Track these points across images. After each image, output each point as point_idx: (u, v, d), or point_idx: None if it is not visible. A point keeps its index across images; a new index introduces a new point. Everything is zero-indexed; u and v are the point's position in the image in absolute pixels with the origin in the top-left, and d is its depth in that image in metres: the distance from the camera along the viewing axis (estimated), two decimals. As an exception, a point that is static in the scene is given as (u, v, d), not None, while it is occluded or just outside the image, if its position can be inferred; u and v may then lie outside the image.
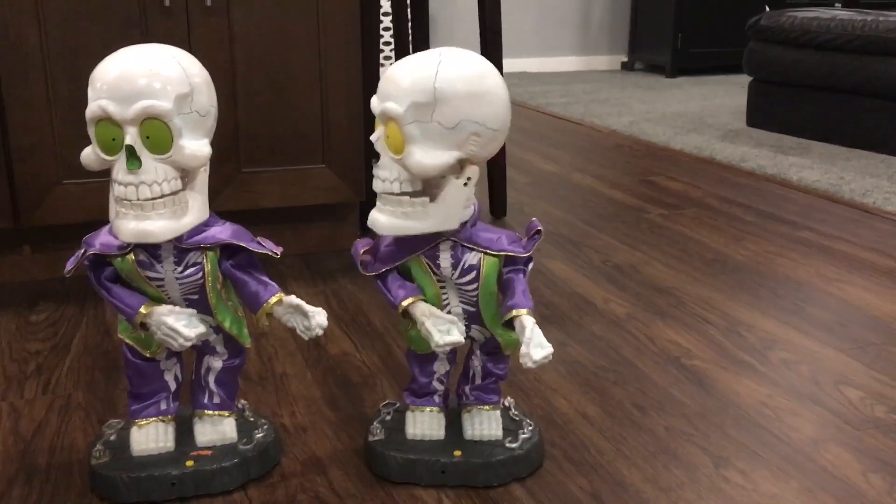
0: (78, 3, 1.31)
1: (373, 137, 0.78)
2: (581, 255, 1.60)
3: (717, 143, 2.65)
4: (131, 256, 0.78)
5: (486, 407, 0.90)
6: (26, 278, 1.44)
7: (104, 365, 1.13)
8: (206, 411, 0.88)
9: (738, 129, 2.93)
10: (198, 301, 0.82)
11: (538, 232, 0.84)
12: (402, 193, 0.77)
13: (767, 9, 3.34)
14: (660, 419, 1.00)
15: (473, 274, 0.82)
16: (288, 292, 0.82)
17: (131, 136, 0.73)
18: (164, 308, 0.80)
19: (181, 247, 0.79)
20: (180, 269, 0.79)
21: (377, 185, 0.79)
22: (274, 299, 0.81)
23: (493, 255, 0.82)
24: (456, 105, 0.74)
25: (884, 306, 1.35)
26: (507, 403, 0.94)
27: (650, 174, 2.28)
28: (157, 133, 0.73)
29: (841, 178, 2.20)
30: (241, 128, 1.44)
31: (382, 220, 0.79)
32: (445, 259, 0.82)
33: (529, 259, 0.84)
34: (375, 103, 0.78)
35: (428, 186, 0.78)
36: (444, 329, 0.80)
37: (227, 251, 0.82)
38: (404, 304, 0.81)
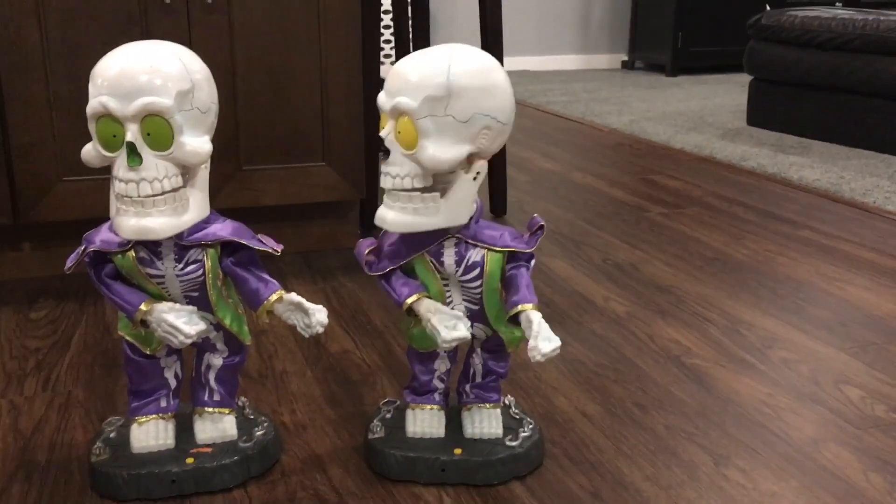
0: (78, 1, 1.31)
1: (382, 133, 0.78)
2: (581, 253, 1.60)
3: (718, 142, 2.65)
4: (132, 253, 0.78)
5: (487, 405, 0.90)
6: (26, 275, 1.44)
7: (104, 362, 1.13)
8: (206, 409, 0.88)
9: (738, 127, 2.93)
10: (198, 298, 0.82)
11: (541, 228, 0.84)
12: (413, 189, 0.77)
13: (768, 8, 3.33)
14: (660, 418, 1.00)
15: (477, 271, 0.82)
16: (288, 290, 0.82)
17: (132, 133, 0.73)
18: (164, 305, 0.80)
19: (182, 244, 0.79)
20: (181, 266, 0.79)
21: (386, 182, 0.78)
22: (274, 297, 0.81)
23: (497, 252, 0.82)
24: (469, 98, 0.74)
25: (884, 306, 1.35)
26: (507, 402, 0.94)
27: (650, 173, 2.28)
28: (158, 130, 0.73)
29: (841, 177, 2.20)
30: (242, 125, 1.43)
31: (392, 217, 0.79)
32: (449, 256, 0.82)
33: (532, 255, 0.84)
34: (384, 99, 0.77)
35: (436, 182, 0.78)
36: (450, 325, 0.80)
37: (228, 248, 0.82)
38: (409, 301, 0.81)
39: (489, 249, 0.81)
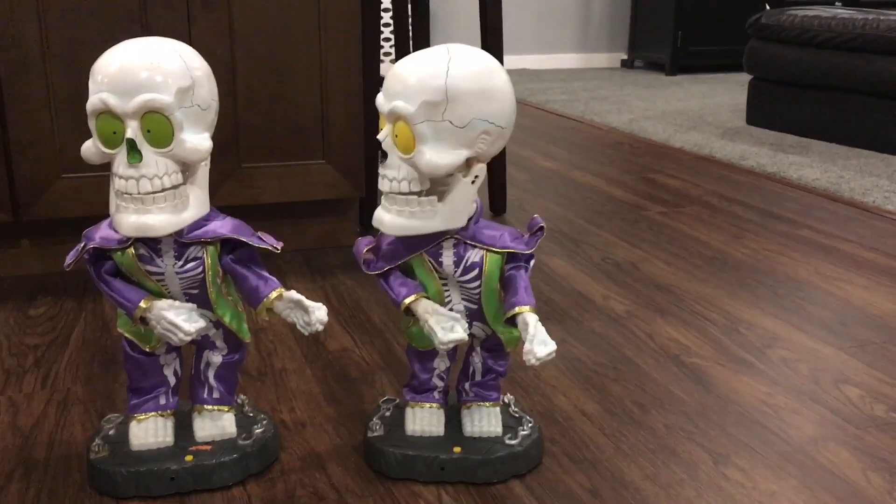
0: (78, -3, 1.30)
1: (380, 136, 0.77)
2: (581, 252, 1.60)
3: (717, 141, 2.65)
4: (131, 250, 0.78)
5: (486, 404, 0.90)
6: (25, 272, 1.44)
7: (103, 359, 1.13)
8: (205, 406, 0.88)
9: (737, 127, 2.93)
10: (198, 296, 0.82)
11: (541, 229, 0.83)
12: (411, 193, 0.77)
13: (768, 7, 3.33)
14: (659, 416, 1.00)
15: (476, 271, 0.82)
16: (287, 288, 0.82)
17: (132, 130, 0.73)
18: (163, 302, 0.80)
19: (181, 241, 0.79)
20: (180, 263, 0.79)
21: (384, 185, 0.78)
22: (274, 294, 0.81)
23: (496, 252, 0.81)
24: (467, 103, 0.74)
25: (883, 305, 1.35)
26: (506, 400, 0.94)
27: (650, 172, 2.28)
28: (158, 127, 0.73)
29: (841, 176, 2.20)
30: (242, 123, 1.43)
31: (389, 219, 0.78)
32: (448, 257, 0.81)
33: (531, 256, 0.84)
34: (382, 101, 0.77)
35: (434, 185, 0.78)
36: (447, 326, 0.80)
37: (228, 246, 0.81)
38: (407, 301, 0.81)
39: (488, 250, 0.81)
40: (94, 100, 0.73)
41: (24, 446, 0.92)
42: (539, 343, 0.77)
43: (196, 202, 0.78)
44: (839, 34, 2.64)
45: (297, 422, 0.98)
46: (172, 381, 0.88)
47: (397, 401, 0.95)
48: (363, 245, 0.85)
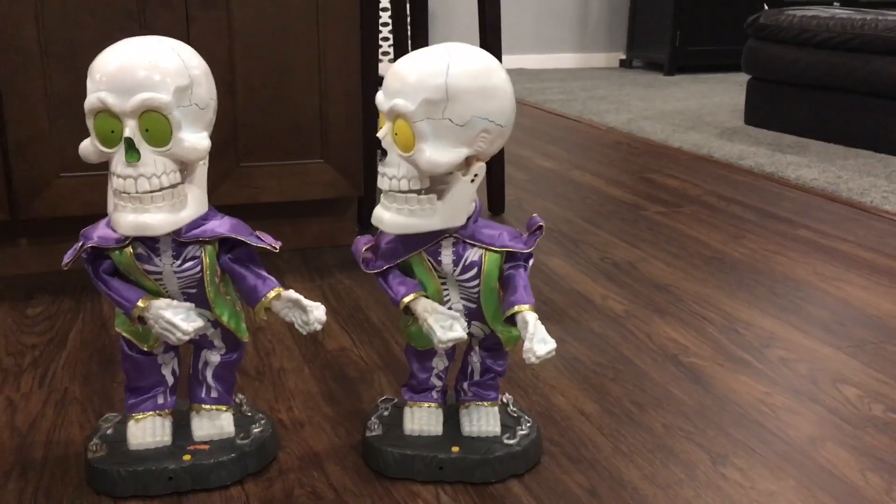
0: (76, -4, 1.30)
1: (380, 134, 0.77)
2: (579, 252, 1.60)
3: (716, 141, 2.65)
4: (129, 249, 0.78)
5: (485, 403, 0.90)
6: (23, 271, 1.44)
7: (101, 359, 1.13)
8: (203, 406, 0.88)
9: (736, 127, 2.94)
10: (196, 295, 0.82)
11: (539, 228, 0.83)
12: (410, 191, 0.77)
13: (766, 7, 3.33)
14: (658, 416, 1.00)
15: (475, 270, 0.82)
16: (286, 287, 0.82)
17: (130, 129, 0.73)
18: (161, 302, 0.79)
19: (179, 240, 0.78)
20: (178, 262, 0.79)
21: (384, 183, 0.78)
22: (272, 293, 0.81)
23: (495, 252, 0.81)
24: (467, 102, 0.74)
25: (881, 305, 1.35)
26: (505, 400, 0.94)
27: (648, 171, 2.28)
28: (157, 125, 0.73)
29: (839, 176, 2.20)
30: (240, 122, 1.43)
31: (388, 218, 0.78)
32: (447, 256, 0.81)
33: (530, 255, 0.83)
34: (382, 100, 0.77)
35: (433, 183, 0.78)
36: (446, 325, 0.80)
37: (226, 245, 0.81)
38: (406, 300, 0.81)
39: (487, 249, 0.81)
40: (92, 99, 0.73)
41: (22, 446, 0.92)
42: (539, 341, 0.77)
43: (194, 201, 0.78)
44: (837, 34, 2.64)
45: (295, 421, 0.98)
46: (170, 380, 0.87)
47: (396, 400, 0.95)
48: (362, 244, 0.85)
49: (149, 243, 0.78)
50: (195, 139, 0.75)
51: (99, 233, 0.78)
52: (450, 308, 0.84)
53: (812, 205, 1.96)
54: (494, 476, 0.86)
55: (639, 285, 1.42)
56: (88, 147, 0.76)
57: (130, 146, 0.73)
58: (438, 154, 0.75)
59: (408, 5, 1.85)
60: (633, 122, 3.00)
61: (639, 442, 0.94)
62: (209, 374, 0.87)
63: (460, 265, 0.81)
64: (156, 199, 0.75)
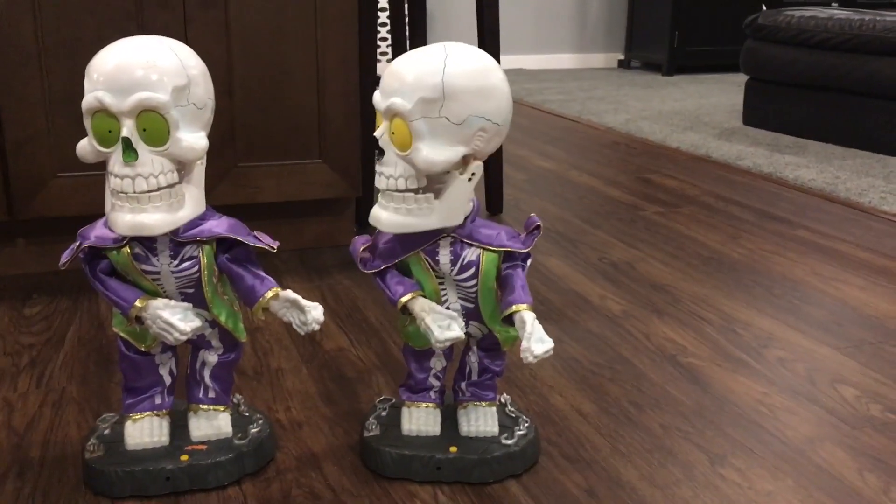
0: (74, -5, 1.30)
1: (377, 133, 0.78)
2: (577, 252, 1.60)
3: (714, 142, 2.65)
4: (127, 249, 0.78)
5: (483, 403, 0.90)
6: (20, 271, 1.43)
7: (98, 359, 1.13)
8: (200, 406, 0.88)
9: (734, 127, 2.94)
10: (193, 295, 0.81)
11: (537, 227, 0.83)
12: (407, 190, 0.77)
13: (765, 7, 3.34)
14: (656, 416, 1.00)
15: (472, 270, 0.82)
16: (283, 287, 0.82)
17: (128, 128, 0.73)
18: (159, 302, 0.79)
19: (177, 240, 0.78)
20: (176, 262, 0.79)
21: (381, 182, 0.78)
22: (270, 294, 0.81)
23: (493, 251, 0.81)
24: (464, 100, 0.74)
25: (879, 305, 1.35)
26: (503, 400, 0.94)
27: (646, 172, 2.28)
28: (154, 125, 0.73)
29: (837, 177, 2.21)
30: (238, 121, 1.43)
31: (386, 217, 0.78)
32: (445, 255, 0.81)
33: (528, 255, 0.83)
34: (379, 99, 0.77)
35: (430, 182, 0.78)
36: (444, 325, 0.80)
37: (224, 245, 0.81)
38: (403, 300, 0.81)
39: (485, 249, 0.81)
40: (90, 98, 0.73)
41: (19, 446, 0.92)
42: (536, 341, 0.77)
43: (192, 201, 0.78)
44: (836, 35, 2.64)
45: (293, 421, 0.98)
46: (168, 380, 0.87)
47: (393, 400, 0.95)
48: (360, 244, 0.85)
49: (146, 243, 0.78)
50: (193, 139, 0.75)
51: (96, 232, 0.78)
52: (447, 308, 0.84)
53: (810, 205, 1.96)
54: (492, 476, 0.86)
55: (637, 285, 1.42)
56: (86, 147, 0.76)
57: (128, 146, 0.73)
58: (435, 153, 0.75)
59: (406, 5, 1.85)
60: (631, 122, 3.00)
61: (637, 442, 0.94)
62: (207, 374, 0.87)
63: (458, 265, 0.81)
64: (153, 198, 0.75)
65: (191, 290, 0.81)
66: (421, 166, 0.75)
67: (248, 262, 0.82)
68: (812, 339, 1.22)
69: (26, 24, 1.29)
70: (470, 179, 0.78)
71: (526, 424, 0.90)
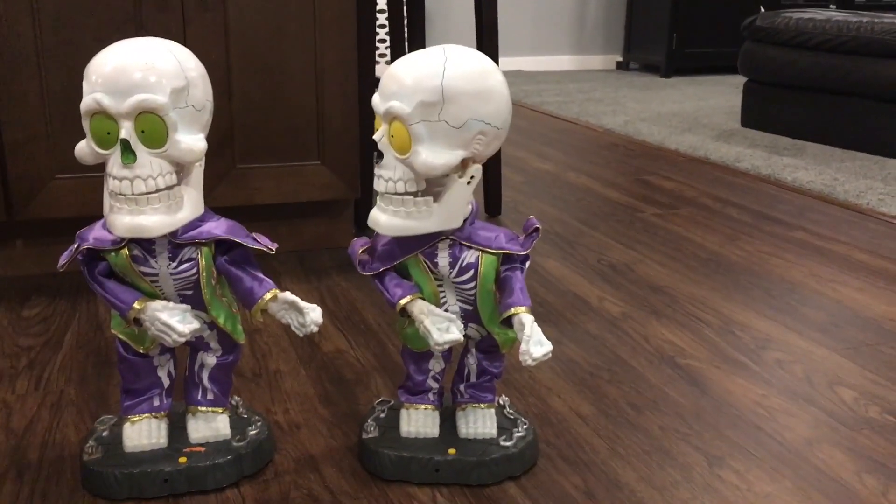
0: (72, -3, 1.30)
1: (376, 136, 0.77)
2: (576, 253, 1.60)
3: (712, 144, 2.66)
4: (125, 251, 0.78)
5: (481, 405, 0.90)
6: (19, 273, 1.43)
7: (97, 360, 1.13)
8: (199, 408, 0.88)
9: (732, 129, 2.94)
10: (192, 297, 0.81)
11: (536, 230, 0.83)
12: (406, 193, 0.77)
13: (763, 10, 3.34)
14: (654, 418, 1.00)
15: (471, 272, 0.82)
16: (282, 289, 0.82)
17: (126, 130, 0.73)
18: (157, 304, 0.79)
19: (176, 242, 0.78)
20: (174, 264, 0.79)
21: (380, 185, 0.78)
22: (269, 295, 0.81)
23: (492, 254, 0.81)
24: (463, 104, 0.74)
25: (877, 307, 1.35)
26: (501, 402, 0.94)
27: (645, 173, 2.28)
28: (153, 127, 0.73)
29: (835, 179, 2.21)
30: (236, 123, 1.43)
31: (385, 220, 0.78)
32: (443, 258, 0.81)
33: (527, 257, 0.83)
34: (378, 102, 0.77)
35: (429, 185, 0.78)
36: (443, 327, 0.80)
37: (222, 247, 0.81)
38: (402, 302, 0.81)
39: (484, 251, 0.81)
40: (88, 100, 0.73)
41: (18, 448, 0.92)
42: (535, 343, 0.77)
43: (190, 203, 0.78)
44: (834, 37, 2.64)
45: (291, 423, 0.98)
46: (166, 382, 0.87)
47: (392, 402, 0.95)
48: (358, 246, 0.85)
49: (145, 245, 0.78)
50: (191, 141, 0.75)
51: (95, 234, 0.78)
52: (446, 310, 0.84)
53: (808, 207, 1.96)
54: (491, 478, 0.86)
55: (635, 287, 1.42)
56: (84, 149, 0.76)
57: (126, 148, 0.73)
58: (434, 156, 0.75)
59: (405, 7, 1.85)
60: (629, 124, 3.00)
61: (635, 444, 0.94)
62: (205, 376, 0.87)
63: (457, 267, 0.81)
64: (152, 200, 0.74)
65: (189, 292, 0.81)
66: (420, 170, 0.75)
67: (246, 264, 0.82)
68: (810, 341, 1.22)
69: (25, 25, 1.29)
70: (469, 182, 0.78)
71: (524, 426, 0.90)
